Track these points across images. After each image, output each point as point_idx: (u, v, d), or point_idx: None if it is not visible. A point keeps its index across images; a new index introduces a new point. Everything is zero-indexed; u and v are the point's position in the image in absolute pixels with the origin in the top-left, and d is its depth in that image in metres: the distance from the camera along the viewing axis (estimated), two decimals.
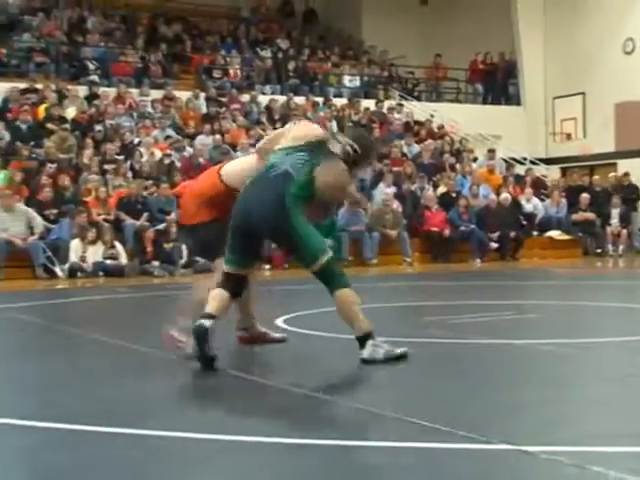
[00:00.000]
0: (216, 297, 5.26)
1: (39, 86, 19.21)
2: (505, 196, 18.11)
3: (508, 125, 23.62)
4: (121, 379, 5.13)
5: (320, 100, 21.94)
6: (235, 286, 5.35)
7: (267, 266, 15.32)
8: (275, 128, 19.73)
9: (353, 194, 5.58)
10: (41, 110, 18.29)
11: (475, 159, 21.07)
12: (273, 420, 4.04)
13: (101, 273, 14.11)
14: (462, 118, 22.82)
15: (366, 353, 5.19)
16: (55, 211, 14.81)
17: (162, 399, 4.53)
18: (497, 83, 25.78)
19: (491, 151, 20.65)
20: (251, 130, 19.27)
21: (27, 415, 4.13)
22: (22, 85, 19.09)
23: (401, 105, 22.95)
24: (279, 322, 7.42)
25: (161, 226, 15.10)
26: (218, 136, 18.42)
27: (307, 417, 4.10)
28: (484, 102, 25.54)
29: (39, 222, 14.35)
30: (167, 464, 3.34)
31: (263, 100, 21.40)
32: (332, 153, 5.38)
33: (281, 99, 21.57)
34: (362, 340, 5.22)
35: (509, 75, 25.74)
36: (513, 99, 25.62)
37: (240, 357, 5.84)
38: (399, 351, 5.29)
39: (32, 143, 16.86)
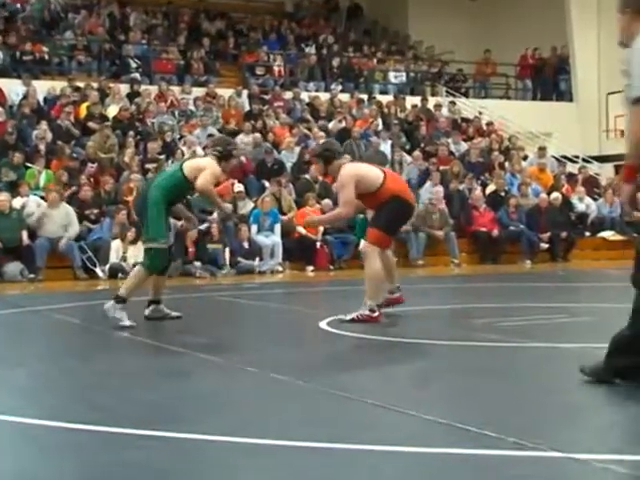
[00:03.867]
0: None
1: (81, 84, 19.08)
2: (556, 195, 17.61)
3: (560, 122, 23.08)
4: (159, 381, 5.15)
5: (365, 97, 21.59)
6: None
7: (311, 268, 15.08)
8: (319, 126, 19.46)
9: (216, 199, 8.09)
10: (82, 109, 18.15)
11: (525, 157, 20.58)
12: (311, 423, 3.96)
13: None
14: (512, 115, 22.41)
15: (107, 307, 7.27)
16: (96, 211, 14.62)
17: (198, 401, 4.51)
18: (547, 79, 25.20)
19: (542, 149, 20.17)
20: (294, 128, 18.97)
21: (68, 417, 4.10)
22: (64, 84, 18.97)
23: (453, 103, 22.44)
24: (322, 324, 7.42)
25: (203, 226, 14.82)
26: (258, 134, 18.12)
27: (347, 421, 4.01)
28: (534, 98, 25.01)
29: (74, 223, 14.13)
30: (202, 468, 3.32)
31: (306, 97, 21.10)
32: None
33: (325, 96, 21.26)
34: (119, 299, 7.23)
35: (560, 70, 25.15)
36: (564, 95, 25.07)
37: (278, 359, 5.80)
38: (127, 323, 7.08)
39: (73, 142, 16.70)
